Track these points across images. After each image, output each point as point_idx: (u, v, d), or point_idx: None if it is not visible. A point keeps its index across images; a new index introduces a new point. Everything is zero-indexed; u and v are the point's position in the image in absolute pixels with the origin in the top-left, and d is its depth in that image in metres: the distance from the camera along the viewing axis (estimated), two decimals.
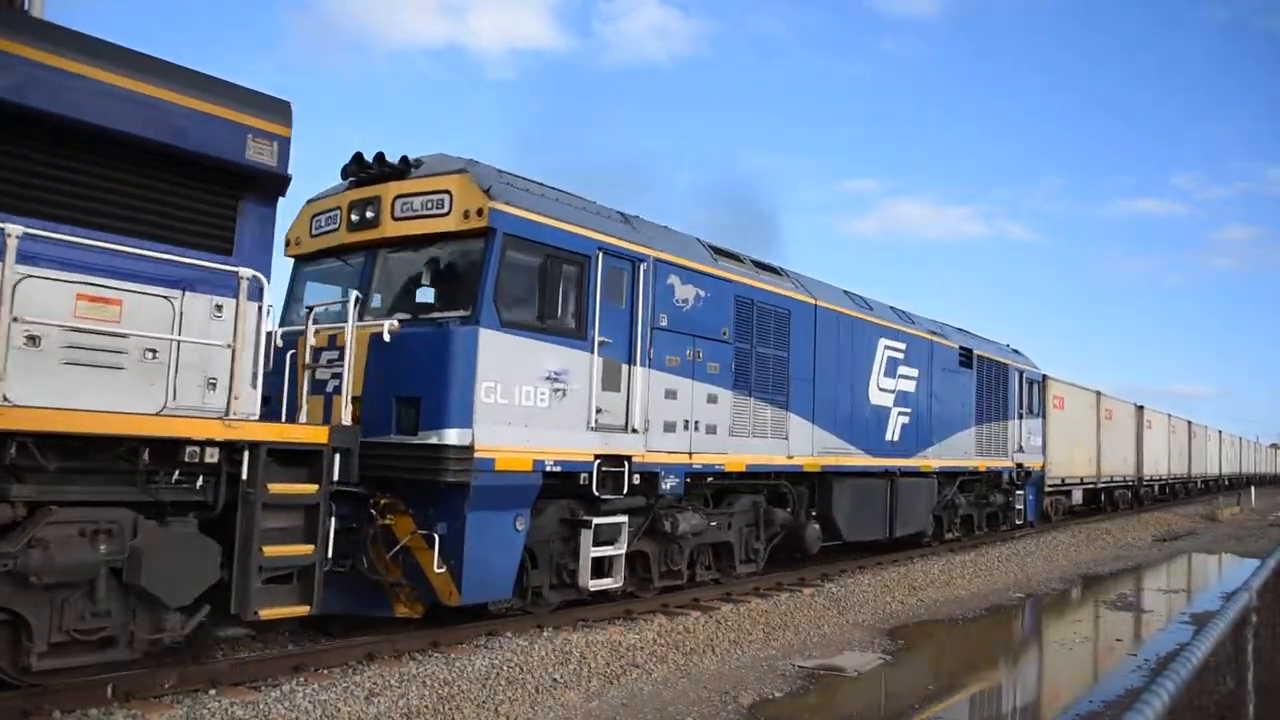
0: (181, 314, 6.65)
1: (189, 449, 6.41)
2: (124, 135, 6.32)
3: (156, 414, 6.37)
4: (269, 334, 8.93)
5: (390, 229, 8.93)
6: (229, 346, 6.69)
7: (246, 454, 6.67)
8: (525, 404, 8.56)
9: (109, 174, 6.43)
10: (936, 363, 16.60)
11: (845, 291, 14.40)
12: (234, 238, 7.14)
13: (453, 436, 7.99)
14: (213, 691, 6.57)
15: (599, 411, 9.29)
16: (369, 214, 9.06)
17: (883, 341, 14.69)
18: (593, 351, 9.23)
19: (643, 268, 9.88)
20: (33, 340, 5.89)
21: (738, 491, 11.85)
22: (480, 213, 8.44)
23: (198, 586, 6.43)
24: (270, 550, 6.76)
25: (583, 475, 9.15)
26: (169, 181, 6.71)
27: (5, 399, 5.61)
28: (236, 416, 6.67)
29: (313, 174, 18.05)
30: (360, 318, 8.86)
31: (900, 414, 15.16)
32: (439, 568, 8.00)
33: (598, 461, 9.23)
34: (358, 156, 9.21)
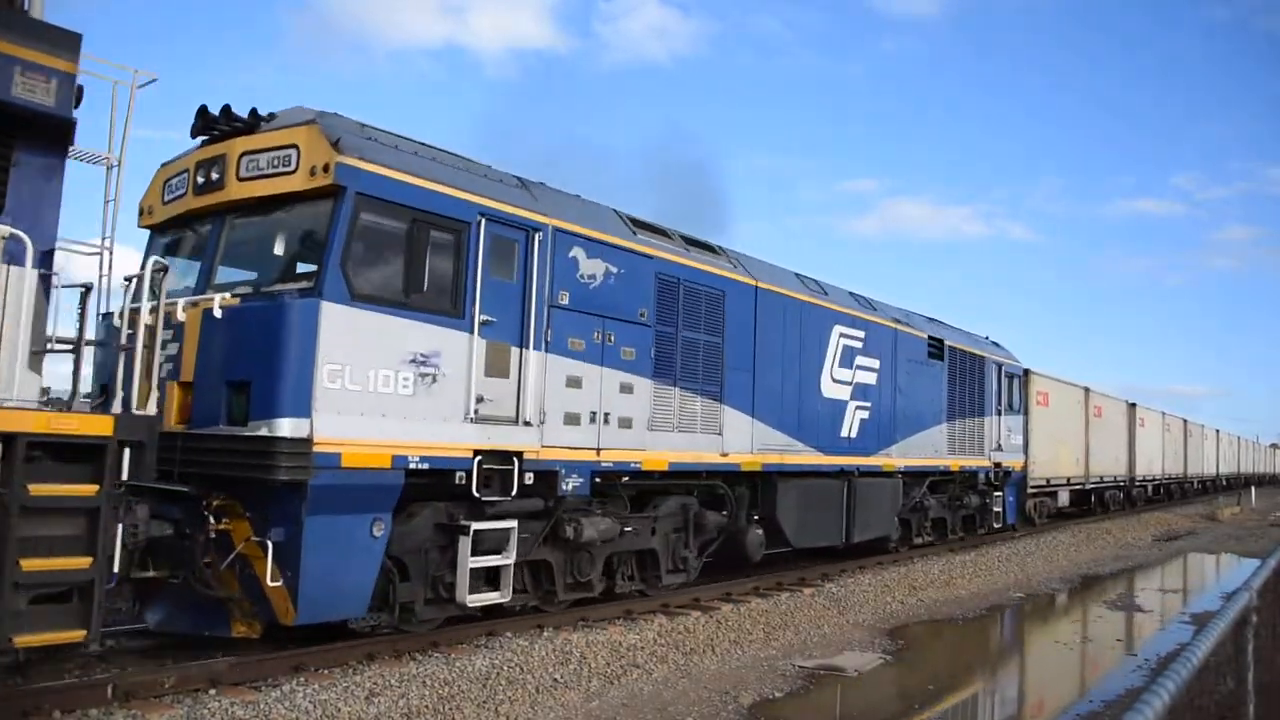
0: None
1: None
2: None
3: None
4: (109, 313, 7.85)
5: (235, 191, 7.74)
6: None
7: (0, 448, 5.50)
8: (383, 391, 7.36)
9: None
10: (902, 353, 15.36)
11: (797, 275, 13.18)
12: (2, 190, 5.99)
13: (285, 427, 6.79)
14: (213, 691, 6.50)
15: (481, 401, 8.08)
16: (214, 175, 7.88)
17: (838, 329, 13.45)
18: (472, 332, 8.04)
19: (538, 238, 8.68)
20: None
21: (665, 493, 10.64)
22: (327, 169, 7.25)
23: None
24: (32, 564, 5.58)
25: (459, 474, 7.95)
26: None
27: None
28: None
29: None
30: (204, 292, 7.79)
31: (858, 408, 13.92)
32: (274, 580, 6.82)
33: (478, 458, 8.03)
34: (201, 110, 8.01)
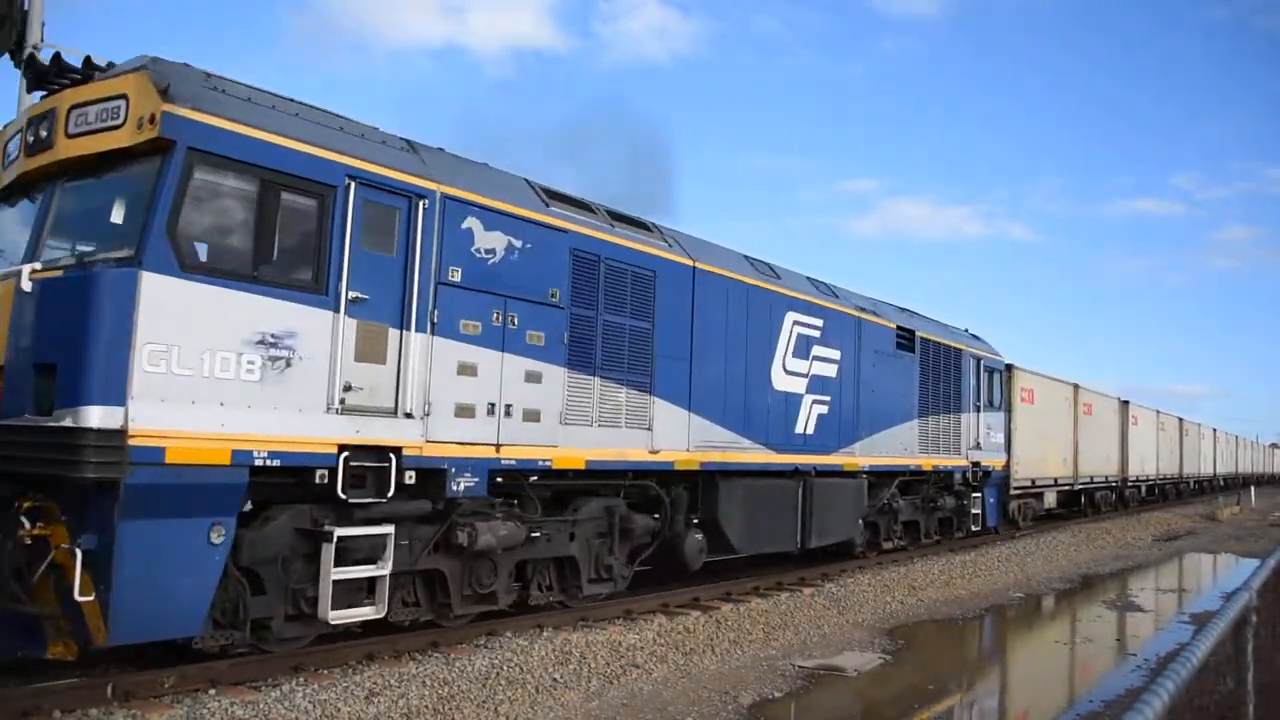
0: None
1: None
2: None
3: None
4: None
5: (64, 149, 6.74)
6: None
7: None
8: (222, 376, 6.37)
9: None
10: (867, 344, 14.34)
11: (746, 257, 12.17)
12: None
13: (92, 417, 5.80)
14: (213, 691, 6.44)
15: (349, 389, 7.10)
16: (43, 133, 6.88)
17: (791, 316, 12.43)
18: (338, 310, 7.05)
19: (423, 206, 7.70)
20: None
21: (592, 494, 9.66)
22: (154, 120, 6.27)
23: None
24: None
25: (320, 472, 6.97)
26: None
27: None
28: None
29: None
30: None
31: (816, 403, 12.91)
32: (84, 594, 5.83)
33: (344, 454, 7.05)
34: (29, 60, 7.06)
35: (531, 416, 8.52)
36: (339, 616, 7.04)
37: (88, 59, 6.95)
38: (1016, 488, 21.24)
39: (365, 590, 7.42)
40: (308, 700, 6.36)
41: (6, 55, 9.60)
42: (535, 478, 8.80)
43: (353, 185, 7.21)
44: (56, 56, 6.99)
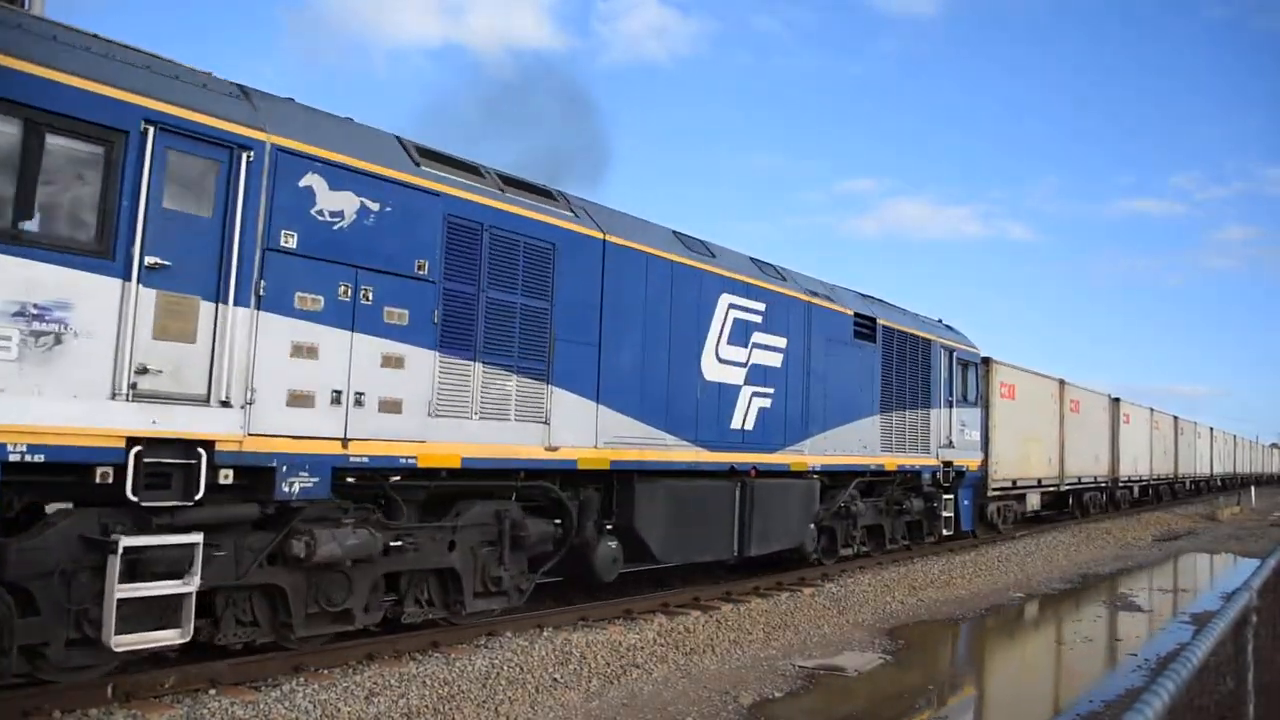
0: None
1: None
2: None
3: None
4: None
5: None
6: None
7: None
8: None
9: None
10: (818, 331, 13.19)
11: (675, 233, 11.04)
12: None
13: None
14: (213, 691, 6.41)
15: (144, 372, 5.98)
16: None
17: (727, 298, 11.29)
18: (129, 278, 5.93)
19: (247, 158, 6.58)
20: None
21: (482, 496, 8.53)
22: None
23: None
24: None
25: (103, 470, 5.85)
26: None
27: None
28: None
29: None
30: None
31: (756, 395, 11.77)
32: None
33: (136, 449, 5.92)
34: None
35: (390, 407, 7.40)
36: (125, 643, 5.88)
37: None
38: (995, 489, 20.08)
39: (178, 609, 6.30)
40: (308, 700, 6.36)
41: None
42: (398, 478, 7.67)
43: (152, 131, 6.09)
44: None
